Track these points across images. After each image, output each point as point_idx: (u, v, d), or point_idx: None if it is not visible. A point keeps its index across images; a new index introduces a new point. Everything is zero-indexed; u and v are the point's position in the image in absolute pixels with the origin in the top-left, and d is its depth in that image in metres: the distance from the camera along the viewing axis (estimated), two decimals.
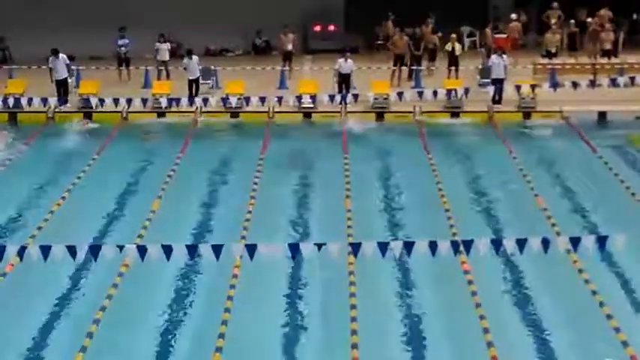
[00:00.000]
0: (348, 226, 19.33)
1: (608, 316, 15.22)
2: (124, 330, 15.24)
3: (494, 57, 30.08)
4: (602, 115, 29.12)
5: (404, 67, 32.74)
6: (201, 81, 30.91)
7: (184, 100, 28.26)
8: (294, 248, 14.81)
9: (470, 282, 16.58)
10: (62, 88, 29.77)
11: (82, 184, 22.48)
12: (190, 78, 30.59)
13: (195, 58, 30.71)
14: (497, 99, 29.45)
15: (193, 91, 30.31)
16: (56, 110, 29.15)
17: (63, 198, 21.38)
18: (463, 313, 15.69)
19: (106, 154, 24.76)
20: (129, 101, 28.13)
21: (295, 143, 26.67)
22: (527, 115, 29.24)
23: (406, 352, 14.73)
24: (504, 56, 30.12)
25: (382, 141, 25.26)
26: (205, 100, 28.60)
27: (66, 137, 25.98)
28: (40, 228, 19.38)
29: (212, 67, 32.36)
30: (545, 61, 33.55)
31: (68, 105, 29.58)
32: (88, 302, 16.27)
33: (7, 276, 16.58)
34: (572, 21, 35.68)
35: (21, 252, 14.57)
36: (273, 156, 24.56)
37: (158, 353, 14.61)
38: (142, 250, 14.58)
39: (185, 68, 30.65)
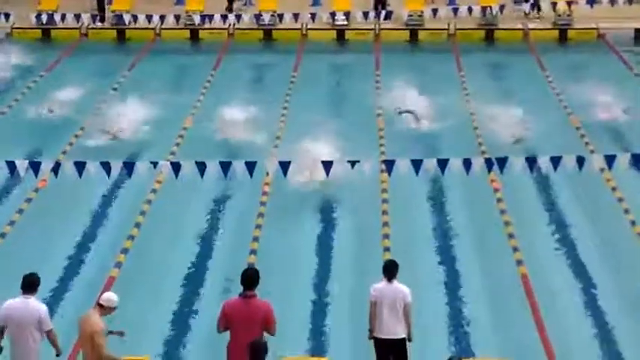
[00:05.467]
0: (381, 145, 19.32)
1: None
2: (158, 247, 15.40)
3: None
4: (639, 32, 28.72)
5: None
6: None
7: (217, 17, 28.04)
8: (328, 165, 14.82)
9: (499, 200, 16.58)
10: (99, 3, 29.55)
11: (112, 100, 22.52)
12: None
13: None
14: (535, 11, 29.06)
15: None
16: (89, 27, 29.07)
17: (95, 114, 21.48)
18: (494, 232, 15.72)
19: (137, 71, 24.66)
20: (162, 18, 28.01)
21: (328, 60, 26.45)
22: (563, 33, 28.87)
23: (437, 268, 14.77)
24: None
25: (415, 58, 25.01)
26: (238, 17, 28.42)
27: (98, 53, 25.92)
28: (71, 144, 19.54)
29: None
30: None
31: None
32: (122, 219, 16.45)
33: (40, 191, 16.76)
34: None
35: (56, 168, 14.66)
36: (306, 73, 24.45)
37: (191, 267, 14.75)
38: (176, 167, 14.63)
39: None
